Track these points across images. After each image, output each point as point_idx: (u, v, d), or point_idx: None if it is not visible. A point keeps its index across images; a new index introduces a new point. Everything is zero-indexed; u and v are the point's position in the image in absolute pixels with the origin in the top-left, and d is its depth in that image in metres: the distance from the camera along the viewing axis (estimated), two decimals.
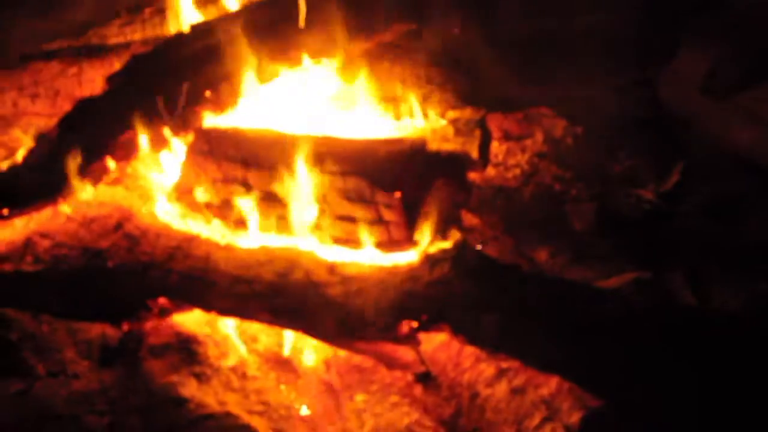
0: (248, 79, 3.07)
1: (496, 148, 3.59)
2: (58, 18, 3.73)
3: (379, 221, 2.82)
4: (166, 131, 2.97)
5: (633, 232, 3.53)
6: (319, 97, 3.35)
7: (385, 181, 2.75)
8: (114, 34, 3.79)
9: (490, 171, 3.57)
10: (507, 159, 3.61)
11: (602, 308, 2.89)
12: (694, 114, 3.88)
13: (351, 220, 2.86)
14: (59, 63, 3.47)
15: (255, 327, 3.06)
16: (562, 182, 3.62)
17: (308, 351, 3.06)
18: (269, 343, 3.07)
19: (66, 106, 3.24)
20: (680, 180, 3.58)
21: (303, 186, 2.84)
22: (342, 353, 3.01)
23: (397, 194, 2.74)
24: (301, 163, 2.81)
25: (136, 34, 3.74)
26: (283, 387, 2.94)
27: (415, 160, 2.85)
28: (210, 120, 3.08)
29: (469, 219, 3.42)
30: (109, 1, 3.84)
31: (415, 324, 2.71)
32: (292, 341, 3.06)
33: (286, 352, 3.03)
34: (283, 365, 3.02)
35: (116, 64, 3.29)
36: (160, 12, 3.75)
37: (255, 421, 2.69)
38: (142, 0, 3.86)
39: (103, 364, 2.94)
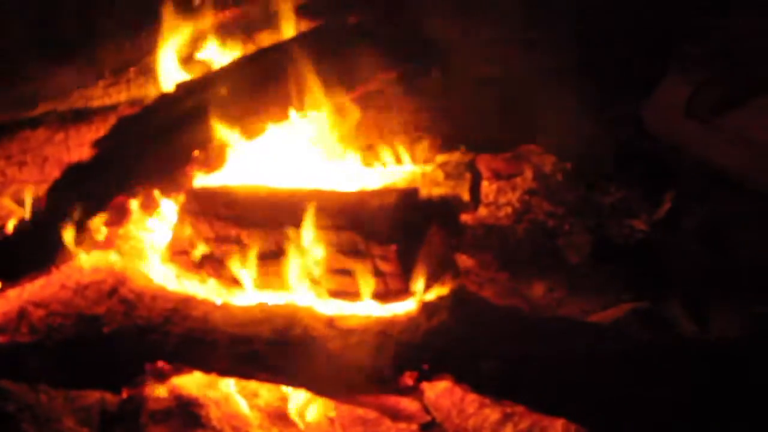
0: (235, 136, 3.07)
1: (487, 188, 3.60)
2: (40, 83, 3.74)
3: (375, 273, 2.81)
4: (157, 193, 2.96)
5: (628, 263, 3.53)
6: (307, 150, 3.36)
7: (379, 232, 2.74)
8: (99, 96, 3.79)
9: (482, 211, 3.57)
10: (498, 198, 3.62)
11: (602, 343, 2.88)
12: (679, 139, 3.89)
13: (347, 273, 2.85)
14: (46, 129, 3.47)
15: (256, 383, 3.05)
16: (554, 218, 3.63)
17: (311, 405, 3.04)
18: (270, 398, 3.05)
19: (54, 173, 3.23)
20: (672, 207, 3.60)
21: (297, 242, 2.83)
22: (344, 407, 2.99)
23: (392, 245, 2.73)
24: (293, 219, 2.80)
25: (122, 94, 3.75)
26: None
27: (408, 209, 2.85)
28: (200, 179, 3.07)
29: (464, 261, 3.42)
30: (93, 63, 3.84)
31: (416, 374, 2.69)
32: (294, 396, 3.05)
33: (290, 408, 3.01)
34: (286, 421, 3.00)
35: (102, 128, 3.29)
36: (145, 71, 3.76)
37: None
38: (126, 60, 3.86)
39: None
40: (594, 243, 3.62)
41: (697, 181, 3.75)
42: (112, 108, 3.55)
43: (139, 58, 3.81)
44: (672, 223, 3.62)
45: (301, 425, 2.99)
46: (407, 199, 2.86)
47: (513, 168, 3.65)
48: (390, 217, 2.77)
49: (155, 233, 3.15)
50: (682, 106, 3.90)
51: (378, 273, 2.82)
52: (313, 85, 3.06)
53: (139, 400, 2.94)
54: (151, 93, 3.58)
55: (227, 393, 2.98)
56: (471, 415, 2.91)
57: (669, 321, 3.24)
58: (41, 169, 3.36)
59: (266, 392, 3.06)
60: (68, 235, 2.91)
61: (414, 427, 2.92)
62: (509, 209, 3.61)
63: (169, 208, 3.10)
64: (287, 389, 3.04)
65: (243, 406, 2.98)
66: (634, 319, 3.23)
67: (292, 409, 3.02)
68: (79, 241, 2.88)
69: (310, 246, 2.82)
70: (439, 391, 2.93)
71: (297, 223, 2.81)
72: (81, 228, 2.89)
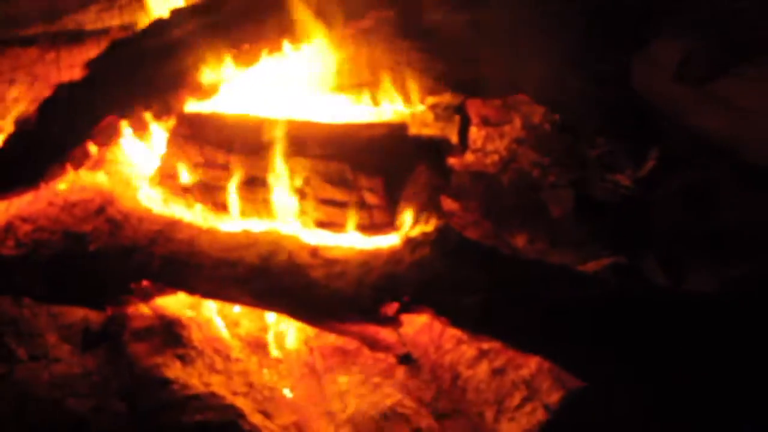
0: (228, 64, 3.07)
1: (475, 133, 3.61)
2: (33, 3, 3.70)
3: (361, 205, 2.85)
4: (147, 116, 2.96)
5: (609, 218, 3.56)
6: (299, 82, 3.36)
7: (367, 165, 2.77)
8: (91, 20, 3.77)
9: (469, 157, 3.59)
10: (486, 145, 3.64)
11: (580, 291, 2.93)
12: (667, 101, 3.92)
13: (333, 203, 2.88)
14: (37, 49, 3.45)
15: (237, 312, 3.08)
16: (540, 168, 3.65)
17: (290, 335, 3.08)
18: (251, 328, 3.09)
19: (44, 92, 3.22)
20: (656, 166, 3.63)
21: (285, 170, 2.85)
22: (324, 337, 3.04)
23: (380, 178, 2.76)
24: (283, 147, 2.82)
25: (114, 20, 3.73)
26: (266, 370, 2.96)
27: (396, 145, 2.87)
28: (191, 105, 3.07)
29: (449, 204, 3.44)
30: None
31: (397, 306, 2.74)
32: (274, 326, 3.09)
33: (270, 337, 3.06)
34: (265, 349, 3.05)
35: (94, 50, 3.27)
36: None
37: (239, 402, 2.71)
38: None
39: (85, 349, 2.95)
40: (576, 198, 3.65)
41: (682, 143, 3.78)
42: (105, 31, 3.54)
43: None
44: (655, 181, 3.65)
45: (279, 354, 3.02)
46: (396, 134, 2.88)
47: (502, 116, 3.67)
48: (379, 150, 2.80)
49: (143, 157, 3.15)
50: (672, 70, 3.93)
51: (364, 205, 2.85)
52: (308, 18, 3.05)
53: (123, 319, 2.95)
54: (142, 19, 3.56)
55: (209, 317, 3.01)
56: (448, 351, 2.98)
57: (645, 276, 3.28)
58: (31, 87, 3.35)
59: (247, 322, 3.10)
60: (55, 152, 2.90)
61: (391, 358, 2.98)
62: (496, 157, 3.63)
63: (158, 133, 3.10)
64: (268, 320, 3.08)
65: (224, 331, 3.01)
66: (612, 272, 3.27)
67: (272, 339, 3.05)
68: (66, 159, 2.87)
69: (298, 174, 2.84)
70: (418, 327, 2.99)
71: (286, 151, 2.83)
72: (70, 146, 2.87)
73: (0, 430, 2.68)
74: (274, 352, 3.04)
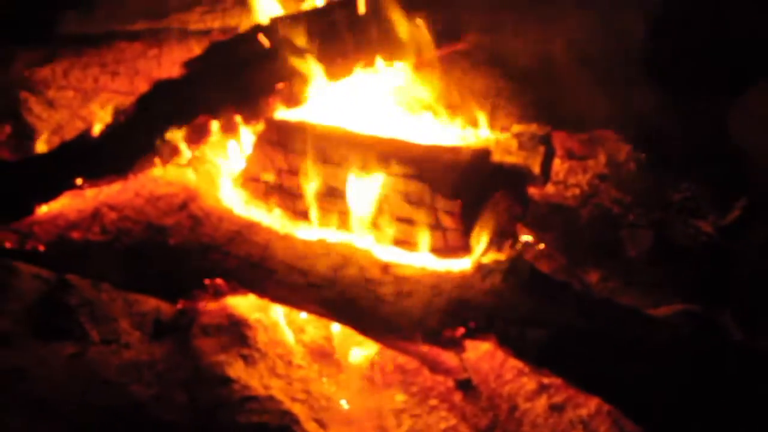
0: (320, 75, 3.13)
1: (558, 166, 3.60)
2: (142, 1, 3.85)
3: (437, 226, 2.87)
4: (238, 119, 3.05)
5: (687, 264, 3.50)
6: (387, 100, 3.41)
7: (447, 187, 2.79)
8: (194, 21, 3.90)
9: (550, 188, 3.58)
10: (567, 178, 3.62)
11: (650, 335, 2.88)
12: (762, 152, 3.83)
13: (409, 222, 2.91)
14: (141, 44, 3.59)
15: (303, 318, 3.13)
16: (620, 206, 3.61)
17: (353, 348, 3.12)
18: (315, 336, 3.14)
19: (143, 86, 3.34)
20: (741, 216, 3.55)
21: (366, 185, 2.89)
22: (386, 353, 3.06)
23: (458, 202, 2.77)
24: (366, 163, 2.86)
25: (216, 22, 3.84)
26: (325, 379, 2.99)
27: (478, 170, 2.89)
28: (280, 112, 3.15)
29: (524, 233, 3.44)
30: None
31: (462, 331, 2.74)
32: (338, 336, 3.12)
33: (334, 348, 3.09)
34: (327, 359, 3.08)
35: (195, 50, 3.38)
36: (241, 2, 3.85)
37: (296, 408, 2.75)
38: None
39: (154, 338, 3.03)
40: (655, 239, 3.60)
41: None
42: (206, 32, 3.65)
43: None
44: (738, 232, 3.57)
45: (341, 365, 3.05)
46: (479, 159, 2.90)
47: (587, 150, 3.64)
48: (460, 174, 2.81)
49: (229, 158, 3.24)
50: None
51: (439, 227, 2.87)
52: (404, 37, 3.09)
53: (193, 313, 3.03)
54: (243, 23, 3.66)
55: (276, 321, 3.07)
56: (508, 382, 2.97)
57: (719, 327, 3.21)
58: (131, 81, 3.48)
59: (312, 329, 3.14)
60: (147, 145, 3.00)
61: (450, 382, 2.98)
62: (577, 191, 3.61)
63: (245, 136, 3.18)
64: (333, 330, 3.11)
65: (289, 337, 3.06)
66: (685, 319, 3.21)
67: (335, 349, 3.09)
68: (157, 153, 2.97)
69: (377, 190, 2.87)
70: (481, 353, 3.00)
71: (368, 167, 2.87)
72: (161, 141, 2.97)
73: (66, 405, 2.76)
74: (336, 363, 3.07)
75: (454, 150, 2.95)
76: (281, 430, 2.62)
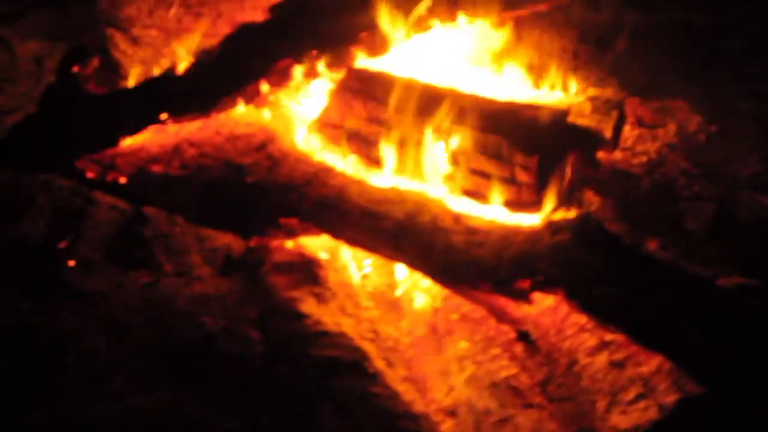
0: (402, 27, 3.18)
1: (627, 132, 3.60)
2: None
3: (511, 180, 2.92)
4: (320, 65, 3.11)
5: (747, 240, 3.50)
6: (465, 56, 3.45)
7: (525, 143, 2.83)
8: None
9: (618, 154, 3.59)
10: (636, 145, 3.63)
11: (714, 303, 2.92)
12: None
13: (484, 175, 2.96)
14: None
15: (369, 263, 3.20)
16: (686, 177, 3.62)
17: (417, 295, 3.19)
18: (380, 282, 3.21)
19: (225, 29, 3.42)
20: None
21: (443, 136, 2.94)
22: (451, 302, 3.13)
23: (535, 158, 2.82)
24: (446, 115, 2.91)
25: None
26: (390, 323, 3.07)
27: (555, 129, 2.93)
28: (361, 61, 3.20)
29: (590, 196, 3.47)
30: None
31: (530, 283, 2.80)
32: (402, 284, 3.20)
33: (398, 292, 3.17)
34: (392, 305, 3.16)
35: None
36: None
37: (365, 346, 2.83)
38: None
39: (223, 273, 3.12)
40: (716, 213, 3.60)
41: None
42: None
43: None
44: None
45: (404, 311, 3.12)
46: (557, 119, 2.93)
47: (658, 119, 3.65)
48: (538, 131, 2.85)
49: (306, 104, 3.30)
50: None
51: (514, 181, 2.92)
52: None
53: (263, 252, 3.12)
54: None
55: (344, 264, 3.14)
56: (568, 337, 3.02)
57: None
58: (214, 23, 3.53)
59: (377, 276, 3.21)
60: (231, 85, 3.07)
61: (512, 333, 3.04)
62: (644, 158, 3.62)
63: (323, 83, 3.25)
64: (397, 277, 3.18)
65: (356, 279, 3.13)
66: (742, 292, 3.22)
67: (400, 296, 3.16)
68: (239, 94, 3.05)
69: (454, 142, 2.93)
70: (543, 308, 3.04)
71: (448, 119, 2.92)
72: (244, 82, 3.05)
73: (142, 329, 2.86)
74: (399, 309, 3.14)
75: (534, 108, 2.99)
76: (353, 364, 2.70)
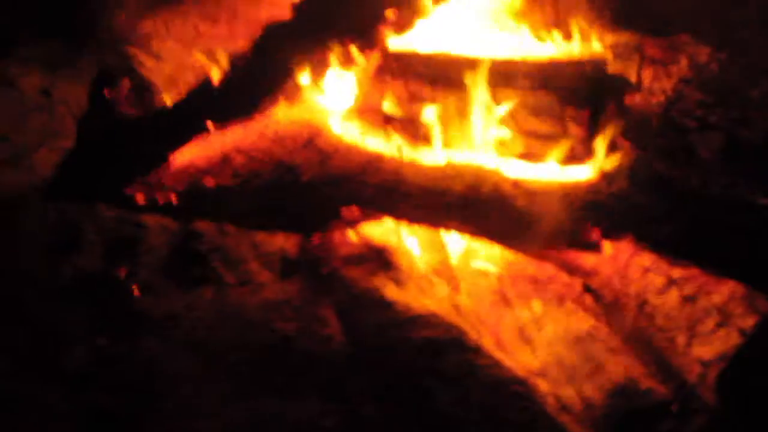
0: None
1: (644, 73, 3.70)
2: None
3: (563, 135, 2.98)
4: (354, 50, 3.12)
5: (762, 160, 3.62)
6: (484, 20, 3.49)
7: (576, 98, 2.90)
8: None
9: (637, 96, 3.69)
10: (652, 84, 3.72)
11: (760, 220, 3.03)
12: None
13: (536, 135, 3.02)
14: None
15: (424, 242, 3.25)
16: (704, 108, 3.73)
17: (477, 265, 3.25)
18: (437, 259, 3.24)
19: (242, 29, 3.39)
20: None
21: (491, 102, 2.99)
22: (515, 267, 3.19)
23: (587, 110, 2.90)
24: (491, 80, 2.96)
25: None
26: (462, 296, 3.12)
27: (599, 81, 3.00)
28: (392, 40, 3.22)
29: (620, 142, 3.56)
30: None
31: (598, 231, 2.89)
32: (461, 257, 3.25)
33: (458, 265, 3.22)
34: (458, 278, 3.21)
35: None
36: None
37: (458, 321, 2.88)
38: None
39: (284, 275, 3.14)
40: (727, 139, 3.71)
41: None
42: None
43: None
44: None
45: (471, 281, 3.18)
46: (599, 69, 3.00)
47: (669, 56, 3.74)
48: (586, 84, 2.92)
49: (341, 92, 3.31)
50: None
51: (567, 136, 2.99)
52: None
53: (328, 247, 3.14)
54: None
55: (409, 246, 3.18)
56: (633, 281, 3.10)
57: None
58: (231, 26, 3.50)
59: (432, 253, 3.25)
60: (270, 86, 3.07)
61: (578, 286, 3.13)
62: (662, 97, 3.72)
63: (359, 68, 3.26)
64: (452, 253, 3.23)
65: (422, 259, 3.18)
66: None
67: (461, 267, 3.21)
68: (284, 93, 3.05)
69: (503, 107, 2.98)
70: (601, 259, 3.13)
71: (494, 84, 2.97)
72: (283, 80, 3.05)
73: (221, 344, 2.88)
74: (464, 280, 3.20)
75: (575, 62, 3.06)
76: (454, 341, 2.76)
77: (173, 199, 3.09)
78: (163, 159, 3.04)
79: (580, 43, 3.42)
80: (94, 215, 3.19)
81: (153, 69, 3.39)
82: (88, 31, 3.46)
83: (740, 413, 2.64)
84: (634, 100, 3.66)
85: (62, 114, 3.36)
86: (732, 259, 2.85)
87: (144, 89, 3.32)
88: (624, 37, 3.42)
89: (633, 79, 3.39)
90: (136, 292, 3.02)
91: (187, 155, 3.10)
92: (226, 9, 3.54)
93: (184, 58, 3.43)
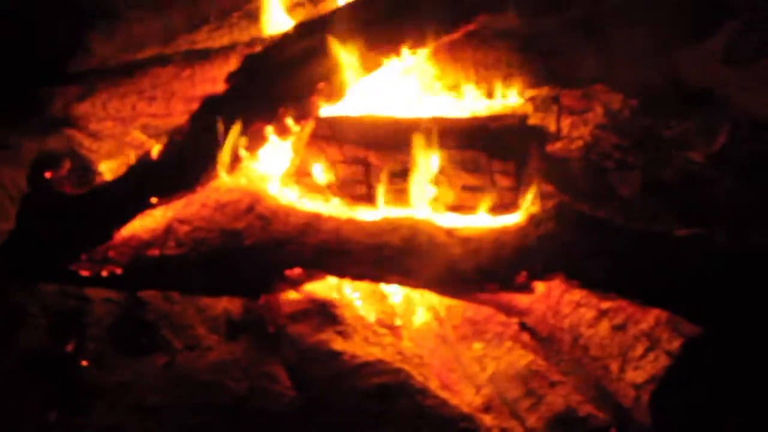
0: (354, 70, 3.40)
1: (562, 122, 3.96)
2: (146, 26, 4.00)
3: (492, 187, 3.18)
4: (289, 121, 3.29)
5: (678, 194, 3.88)
6: (409, 84, 3.71)
7: (501, 151, 3.11)
8: (203, 40, 4.08)
9: (558, 144, 3.94)
10: (571, 132, 3.98)
11: (681, 252, 3.23)
12: (717, 85, 4.23)
13: (466, 188, 3.22)
14: (174, 67, 3.76)
15: (368, 293, 3.40)
16: (621, 151, 3.99)
17: (418, 312, 3.42)
18: (379, 309, 3.41)
19: (179, 106, 3.54)
20: (727, 142, 3.96)
21: (422, 162, 3.19)
22: (453, 310, 3.39)
23: (512, 162, 3.11)
24: (421, 142, 3.16)
25: (224, 38, 4.04)
26: (406, 342, 3.27)
27: (520, 133, 3.22)
28: (324, 109, 3.40)
29: (544, 187, 3.77)
30: (196, 8, 4.11)
31: (529, 274, 3.07)
32: (400, 306, 3.41)
33: (400, 313, 3.39)
34: (399, 326, 3.37)
35: (223, 66, 3.59)
36: (248, 16, 4.06)
37: (403, 366, 3.02)
38: (229, 5, 4.15)
39: (229, 338, 3.26)
40: (644, 177, 3.97)
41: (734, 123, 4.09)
42: (231, 47, 3.84)
43: (240, 5, 4.11)
44: (725, 156, 3.96)
45: (412, 329, 3.34)
46: (521, 122, 3.23)
47: (584, 105, 4.01)
48: (509, 138, 3.14)
49: (270, 159, 3.47)
50: (719, 53, 4.25)
51: (494, 187, 3.19)
52: (427, 25, 3.39)
53: (274, 307, 3.27)
54: (256, 36, 3.88)
55: (350, 299, 3.33)
56: (566, 315, 3.28)
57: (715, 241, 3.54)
58: (168, 103, 3.65)
59: (374, 303, 3.42)
60: (211, 158, 3.21)
61: (515, 325, 3.30)
62: (581, 142, 3.97)
63: (292, 136, 3.42)
64: (394, 301, 3.40)
65: (363, 311, 3.33)
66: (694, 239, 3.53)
67: (402, 316, 3.37)
68: (223, 164, 3.19)
69: (434, 165, 3.17)
70: (533, 298, 3.31)
71: (422, 146, 3.17)
72: (229, 152, 3.20)
73: (175, 408, 2.96)
74: (406, 328, 3.36)
75: (497, 118, 3.28)
76: (402, 385, 2.89)
77: (118, 271, 3.17)
78: (108, 236, 3.12)
79: (501, 100, 3.66)
80: (37, 293, 3.27)
81: (92, 149, 3.50)
82: (27, 115, 3.56)
83: (672, 430, 2.81)
84: (555, 147, 3.91)
85: (1, 198, 3.46)
86: (656, 289, 3.02)
87: (85, 169, 3.43)
88: (542, 91, 3.66)
89: (553, 128, 3.63)
90: (84, 363, 3.09)
91: (130, 229, 3.19)
92: (162, 88, 3.69)
93: (122, 137, 3.56)
